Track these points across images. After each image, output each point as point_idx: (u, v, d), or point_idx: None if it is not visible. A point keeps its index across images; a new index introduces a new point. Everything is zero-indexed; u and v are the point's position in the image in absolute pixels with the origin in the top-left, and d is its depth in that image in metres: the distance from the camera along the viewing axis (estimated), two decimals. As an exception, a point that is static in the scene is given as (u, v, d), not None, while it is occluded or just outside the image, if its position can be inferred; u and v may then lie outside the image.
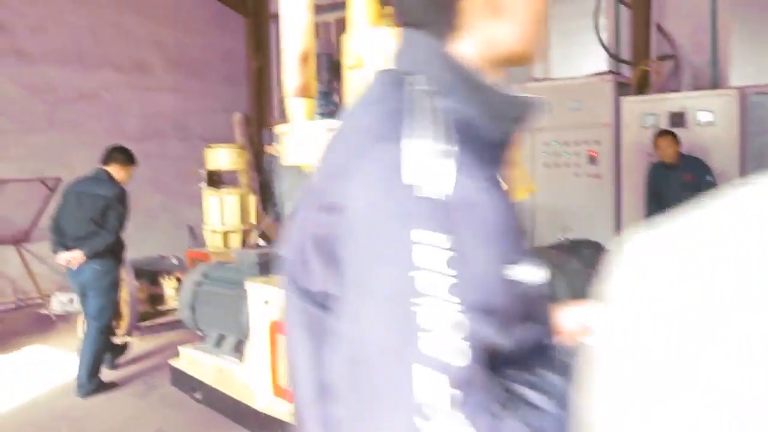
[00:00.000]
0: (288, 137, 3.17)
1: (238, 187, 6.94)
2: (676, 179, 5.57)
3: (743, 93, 6.38)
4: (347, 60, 3.16)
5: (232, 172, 6.96)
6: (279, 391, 3.35)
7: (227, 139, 8.15)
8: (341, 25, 8.55)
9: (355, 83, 3.23)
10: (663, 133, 5.83)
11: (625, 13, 7.74)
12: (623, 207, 6.75)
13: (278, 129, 3.27)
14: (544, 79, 7.46)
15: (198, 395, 4.14)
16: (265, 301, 3.44)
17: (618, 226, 6.85)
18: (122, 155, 4.90)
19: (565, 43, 8.41)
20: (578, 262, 4.91)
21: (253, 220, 7.01)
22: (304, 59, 3.20)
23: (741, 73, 7.18)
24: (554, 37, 8.28)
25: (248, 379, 3.87)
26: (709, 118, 6.16)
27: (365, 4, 3.17)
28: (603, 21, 7.78)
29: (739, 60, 7.19)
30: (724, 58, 7.17)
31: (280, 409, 3.31)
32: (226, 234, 6.84)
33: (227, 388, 3.95)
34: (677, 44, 7.29)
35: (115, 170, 4.83)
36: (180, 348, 4.51)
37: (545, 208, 6.63)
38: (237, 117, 10.63)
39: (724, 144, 6.01)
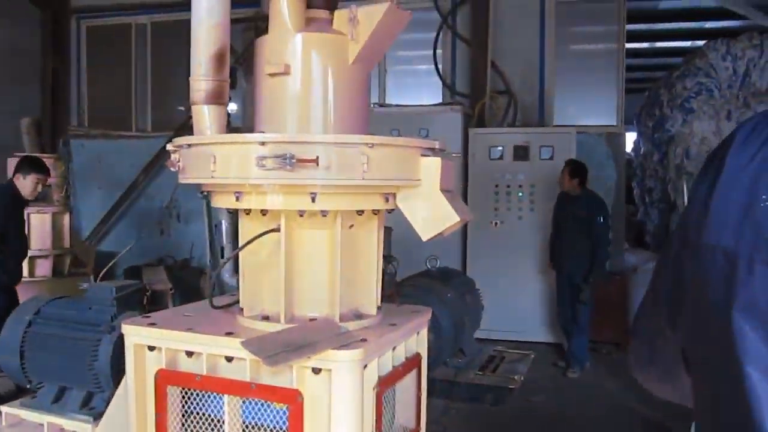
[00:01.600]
0: (191, 151, 2.63)
1: (50, 204, 5.89)
2: (572, 212, 5.79)
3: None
4: (268, 67, 2.72)
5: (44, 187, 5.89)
6: (167, 457, 2.73)
7: (13, 148, 6.98)
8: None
9: (276, 92, 2.80)
10: (568, 162, 5.98)
11: (460, 47, 8.04)
12: (469, 236, 6.91)
13: (178, 140, 2.70)
14: (390, 105, 7.44)
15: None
16: (149, 346, 2.80)
17: (465, 253, 7.00)
18: None
19: (400, 72, 8.53)
20: (453, 291, 4.86)
21: (67, 243, 5.99)
22: (219, 59, 2.69)
23: (563, 114, 7.81)
24: (390, 65, 8.36)
25: (110, 442, 3.16)
26: (549, 153, 6.55)
27: (288, 6, 2.77)
28: (439, 54, 8.02)
29: (561, 101, 7.81)
30: (550, 98, 7.74)
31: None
32: (32, 260, 5.75)
33: (79, 456, 3.19)
34: (510, 82, 7.72)
35: None
36: (2, 407, 3.58)
37: (406, 237, 6.54)
38: (27, 122, 9.21)
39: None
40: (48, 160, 5.99)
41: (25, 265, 5.69)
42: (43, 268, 5.75)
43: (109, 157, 9.19)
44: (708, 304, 0.86)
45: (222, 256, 7.71)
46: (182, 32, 9.18)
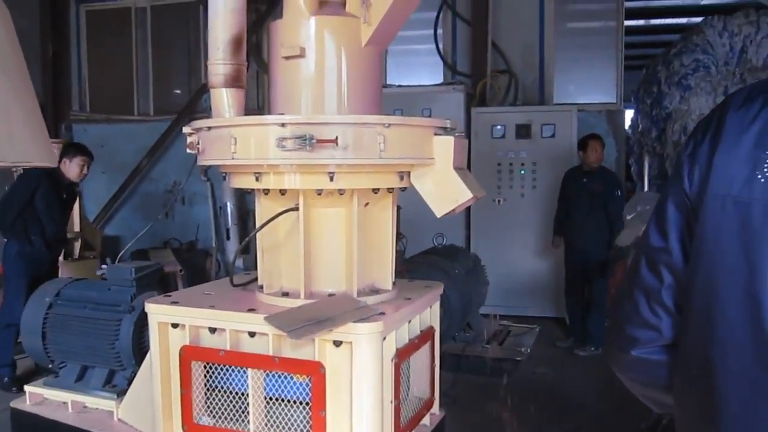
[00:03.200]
0: (211, 134, 2.71)
1: (60, 189, 5.94)
2: (588, 187, 5.79)
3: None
4: (283, 50, 2.80)
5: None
6: (193, 430, 2.84)
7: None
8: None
9: (291, 75, 2.88)
10: (592, 136, 5.99)
11: (460, 27, 8.07)
12: (472, 214, 7.01)
13: (197, 124, 2.78)
14: (392, 86, 7.49)
15: (60, 441, 3.40)
16: (172, 324, 2.90)
17: (469, 231, 7.11)
18: None
19: (401, 52, 8.56)
20: (460, 267, 4.96)
21: (77, 226, 6.07)
22: (237, 43, 2.76)
23: (563, 92, 7.87)
24: (391, 45, 8.37)
25: (134, 417, 3.27)
26: (551, 131, 6.63)
27: (302, -11, 2.83)
28: (440, 33, 8.06)
29: (561, 80, 7.87)
30: (549, 77, 7.79)
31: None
32: (43, 244, 5.82)
33: (105, 429, 3.29)
34: (510, 61, 7.77)
35: None
36: (26, 386, 3.68)
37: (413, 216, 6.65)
38: (28, 108, 9.23)
39: (562, 155, 6.49)
40: (55, 145, 6.05)
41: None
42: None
43: (111, 142, 9.22)
44: (723, 249, 0.94)
45: (228, 238, 7.81)
46: (182, 15, 9.23)
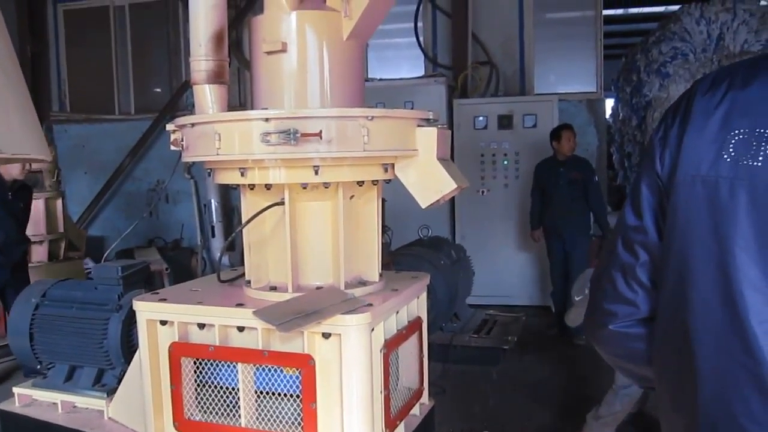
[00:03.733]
0: (195, 131, 2.71)
1: (42, 190, 5.90)
2: (564, 176, 5.86)
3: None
4: (264, 45, 2.80)
5: (34, 173, 5.90)
6: (184, 425, 2.85)
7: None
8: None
9: (274, 70, 2.88)
10: (565, 126, 6.05)
11: (440, 19, 8.09)
12: (457, 206, 7.05)
13: (181, 120, 2.78)
14: (374, 79, 7.49)
15: (50, 442, 3.39)
16: (161, 321, 2.90)
17: (453, 223, 7.15)
18: None
19: (381, 45, 8.57)
20: (446, 258, 5.00)
21: (61, 227, 6.02)
22: (218, 39, 2.76)
23: (544, 82, 7.92)
24: (371, 39, 8.37)
25: (125, 415, 3.27)
26: (532, 122, 6.67)
27: (283, -16, 2.84)
28: (420, 26, 8.07)
29: (541, 70, 7.92)
30: (530, 67, 7.84)
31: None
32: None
33: (96, 429, 3.29)
34: (491, 52, 7.80)
35: None
36: (14, 388, 3.67)
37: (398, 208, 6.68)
38: (7, 109, 9.12)
39: (544, 144, 6.54)
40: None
41: (20, 251, 5.73)
42: (39, 253, 5.79)
43: (93, 141, 9.16)
44: (693, 226, 1.01)
45: (213, 235, 7.79)
46: (161, 13, 9.17)
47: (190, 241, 8.48)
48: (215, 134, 2.57)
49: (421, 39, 8.01)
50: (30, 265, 5.71)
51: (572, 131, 5.94)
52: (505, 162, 7.05)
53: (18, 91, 2.27)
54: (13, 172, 4.90)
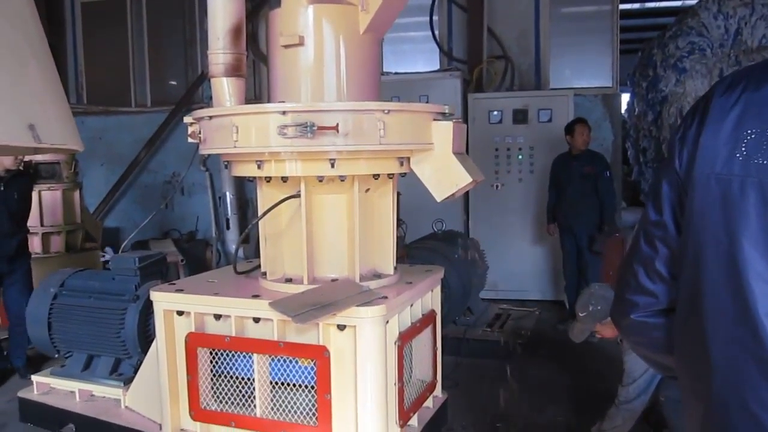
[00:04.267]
0: (212, 123, 2.74)
1: (60, 181, 5.96)
2: (578, 170, 5.85)
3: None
4: (282, 39, 2.83)
5: (51, 164, 5.95)
6: (200, 415, 2.89)
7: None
8: None
9: (291, 63, 2.91)
10: (579, 120, 6.03)
11: (456, 13, 8.06)
12: (471, 200, 7.05)
13: (199, 113, 2.81)
14: (389, 73, 7.49)
15: (68, 430, 3.45)
16: (177, 311, 2.94)
17: (467, 217, 7.14)
18: None
19: (397, 39, 8.56)
20: (460, 252, 5.01)
21: (78, 218, 6.08)
22: (236, 32, 2.79)
23: (559, 76, 7.88)
24: (387, 32, 8.36)
25: (142, 404, 3.32)
26: (548, 116, 6.65)
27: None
28: (435, 20, 8.05)
29: (557, 64, 7.88)
30: (545, 61, 7.80)
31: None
32: (46, 236, 5.84)
33: (113, 417, 3.35)
34: (506, 46, 7.77)
35: None
36: (33, 376, 3.73)
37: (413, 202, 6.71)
38: (25, 101, 9.21)
39: (559, 139, 6.51)
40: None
41: (38, 241, 5.79)
42: (56, 243, 5.85)
43: (109, 134, 9.22)
44: (707, 221, 1.06)
45: (227, 228, 7.83)
46: (178, 5, 9.18)
47: (204, 233, 8.52)
48: (233, 127, 2.59)
49: (436, 33, 7.99)
50: (48, 255, 5.78)
51: (586, 125, 5.91)
52: (520, 156, 7.03)
53: (53, 83, 2.31)
54: (6, 162, 4.69)
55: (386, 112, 2.56)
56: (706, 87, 7.51)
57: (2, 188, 4.66)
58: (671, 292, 1.19)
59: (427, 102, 6.80)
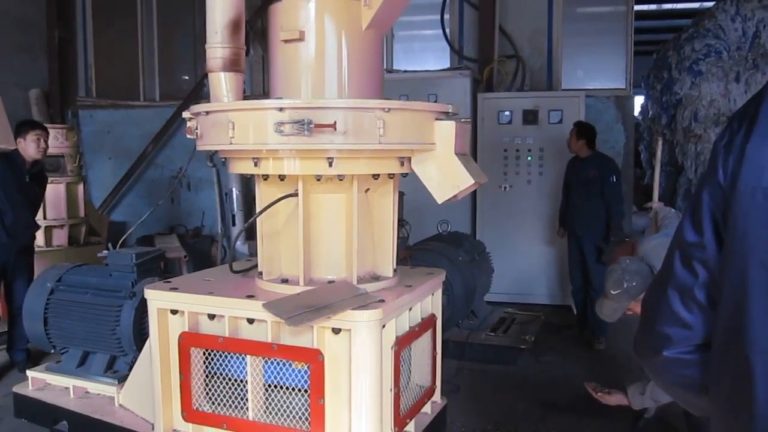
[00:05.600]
0: (209, 119, 2.68)
1: (64, 174, 5.94)
2: (584, 173, 5.73)
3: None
4: (282, 34, 2.75)
5: (55, 157, 5.93)
6: (192, 416, 2.83)
7: (22, 119, 7.00)
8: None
9: (291, 59, 2.83)
10: (575, 124, 5.90)
11: (468, 11, 7.98)
12: (478, 201, 6.97)
13: (196, 108, 2.74)
14: (398, 71, 7.41)
15: (62, 427, 3.41)
16: (171, 310, 2.88)
17: (474, 218, 7.06)
18: None
19: (407, 37, 8.48)
20: (464, 254, 4.93)
21: (81, 212, 6.06)
22: (234, 26, 2.72)
23: (571, 77, 7.77)
24: (397, 30, 8.30)
25: (135, 403, 3.27)
26: (558, 117, 6.55)
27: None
28: (446, 18, 7.96)
29: (569, 65, 7.77)
30: (557, 62, 7.70)
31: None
32: (48, 230, 5.83)
33: (106, 416, 3.30)
34: (518, 46, 7.68)
35: None
36: (28, 371, 3.69)
37: (417, 202, 6.64)
38: (35, 93, 9.23)
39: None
40: (60, 130, 6.04)
41: (41, 235, 5.77)
42: (59, 237, 5.84)
43: (118, 127, 9.22)
44: (751, 242, 0.93)
45: (233, 224, 7.79)
46: (187, 1, 9.15)
47: (211, 228, 8.50)
48: (229, 123, 2.53)
49: (447, 31, 7.91)
50: (50, 249, 5.76)
51: (575, 129, 5.77)
52: (529, 158, 6.93)
53: None
54: (30, 151, 4.79)
55: (386, 110, 2.48)
56: (722, 90, 7.38)
57: (27, 179, 4.74)
58: (708, 323, 1.05)
59: (436, 101, 6.72)
